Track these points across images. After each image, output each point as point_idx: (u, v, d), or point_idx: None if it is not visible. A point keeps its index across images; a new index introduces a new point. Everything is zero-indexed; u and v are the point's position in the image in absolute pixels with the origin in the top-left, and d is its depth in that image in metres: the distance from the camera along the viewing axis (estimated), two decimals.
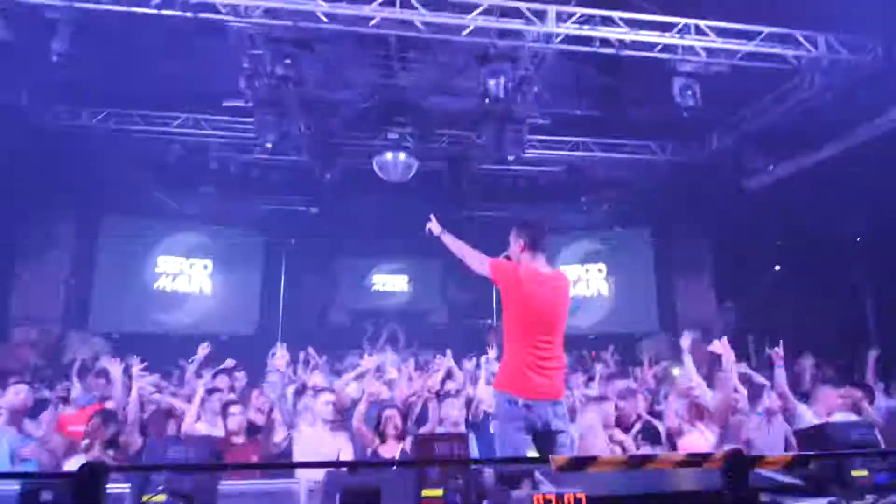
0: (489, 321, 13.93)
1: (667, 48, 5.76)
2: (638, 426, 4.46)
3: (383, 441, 3.96)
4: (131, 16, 5.08)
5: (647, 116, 8.31)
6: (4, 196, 8.99)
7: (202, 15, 5.03)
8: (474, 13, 5.30)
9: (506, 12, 5.37)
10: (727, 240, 12.22)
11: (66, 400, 4.16)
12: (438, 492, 1.65)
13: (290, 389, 4.71)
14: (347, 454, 3.94)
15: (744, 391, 4.23)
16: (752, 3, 5.93)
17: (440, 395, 4.34)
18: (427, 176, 8.98)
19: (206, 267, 12.68)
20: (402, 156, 7.99)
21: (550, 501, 1.48)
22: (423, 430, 4.12)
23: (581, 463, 1.59)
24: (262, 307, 13.36)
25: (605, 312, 12.86)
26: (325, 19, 5.13)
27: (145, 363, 4.64)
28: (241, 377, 5.96)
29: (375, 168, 8.13)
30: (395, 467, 3.80)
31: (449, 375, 5.00)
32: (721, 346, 3.96)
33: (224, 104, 6.82)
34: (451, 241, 3.22)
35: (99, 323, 11.19)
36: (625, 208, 11.91)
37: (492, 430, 3.17)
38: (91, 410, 4.09)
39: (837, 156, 8.07)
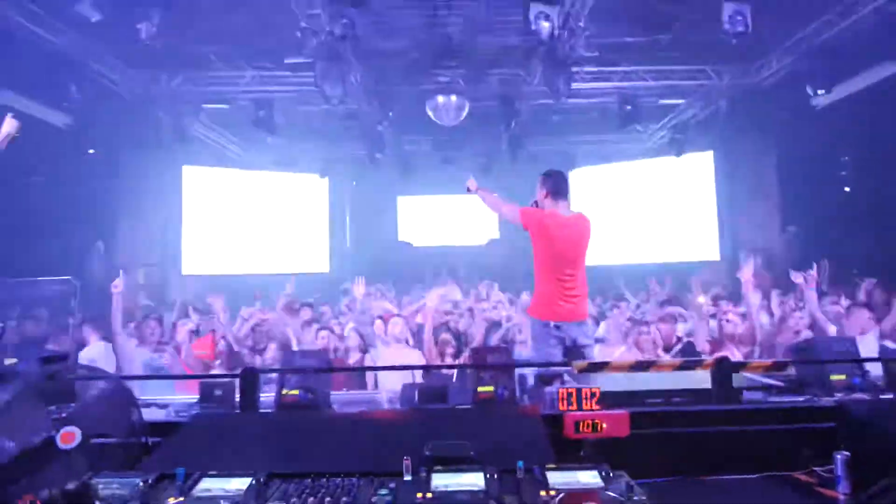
0: None
1: None
2: (678, 347, 4.89)
3: (443, 359, 4.66)
4: None
5: (700, 39, 8.07)
6: (105, 155, 10.12)
7: None
8: None
9: None
10: (793, 161, 11.79)
11: (196, 332, 5.05)
12: (489, 388, 2.23)
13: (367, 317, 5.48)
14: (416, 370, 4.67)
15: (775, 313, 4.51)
16: None
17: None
18: (479, 114, 9.23)
19: (278, 211, 13.72)
20: (453, 98, 8.28)
21: (571, 394, 2.02)
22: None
23: (597, 366, 2.10)
24: (332, 247, 14.41)
25: (665, 241, 12.91)
26: None
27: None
28: (326, 310, 6.80)
29: (429, 112, 8.49)
30: (456, 371, 4.58)
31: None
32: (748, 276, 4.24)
33: (286, 61, 7.29)
34: (486, 196, 3.72)
35: (189, 266, 12.54)
36: (683, 134, 11.65)
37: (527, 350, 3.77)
38: (208, 338, 5.02)
39: None
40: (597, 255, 3.47)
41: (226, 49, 7.90)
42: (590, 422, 1.96)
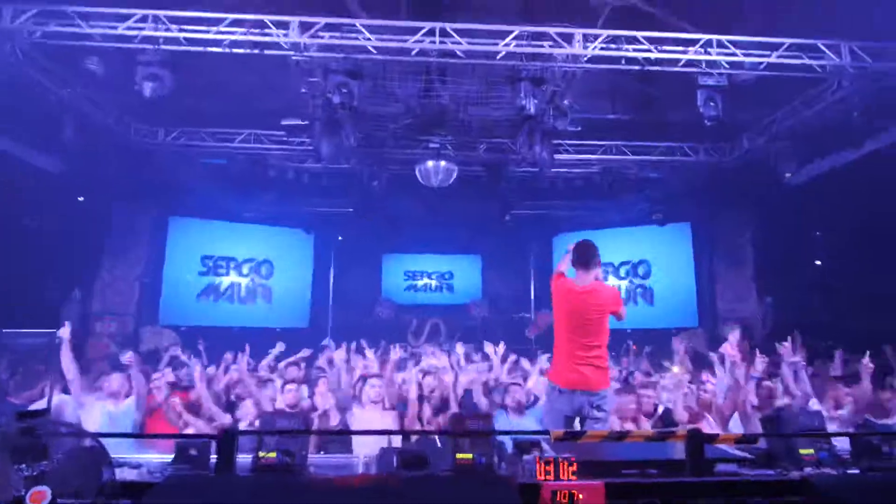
0: (527, 315, 14.44)
1: (690, 63, 6.10)
2: (658, 413, 4.91)
3: (421, 422, 4.62)
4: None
5: (679, 119, 8.58)
6: (93, 204, 10.18)
7: (267, 52, 5.75)
8: (507, 39, 5.81)
9: (536, 37, 5.85)
10: (767, 234, 12.25)
11: (174, 385, 4.95)
12: (469, 455, 2.25)
13: (345, 378, 5.43)
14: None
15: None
16: (775, 15, 6.18)
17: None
18: (467, 180, 9.55)
19: (263, 265, 13.72)
20: (442, 163, 8.59)
21: (549, 462, 2.05)
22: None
23: (573, 435, 2.15)
24: (314, 302, 14.34)
25: (645, 308, 13.12)
26: (374, 51, 5.77)
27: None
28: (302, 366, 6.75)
29: (417, 175, 8.76)
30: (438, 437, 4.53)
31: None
32: (730, 347, 4.36)
33: (282, 123, 7.57)
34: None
35: (167, 317, 12.34)
36: (663, 205, 12.11)
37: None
38: (182, 394, 4.92)
39: (875, 152, 8.15)
40: None
41: (225, 107, 8.19)
42: (566, 492, 1.99)
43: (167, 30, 5.60)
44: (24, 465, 1.89)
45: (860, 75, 6.34)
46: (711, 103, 6.04)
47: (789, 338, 4.79)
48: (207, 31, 5.64)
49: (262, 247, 13.69)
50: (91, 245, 11.25)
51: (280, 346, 6.41)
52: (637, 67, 6.08)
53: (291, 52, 5.77)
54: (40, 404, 4.50)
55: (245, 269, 13.49)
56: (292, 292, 14.02)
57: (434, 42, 5.67)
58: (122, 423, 4.29)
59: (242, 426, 4.34)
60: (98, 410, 4.36)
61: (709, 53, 6.08)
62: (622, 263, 13.37)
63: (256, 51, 5.70)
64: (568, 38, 5.83)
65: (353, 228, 13.35)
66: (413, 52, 5.77)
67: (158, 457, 2.43)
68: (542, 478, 2.04)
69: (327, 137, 6.69)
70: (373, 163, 9.04)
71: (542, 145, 7.02)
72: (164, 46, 5.61)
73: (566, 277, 3.60)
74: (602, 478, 2.08)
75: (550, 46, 5.85)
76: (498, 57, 5.88)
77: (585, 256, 3.60)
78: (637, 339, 10.60)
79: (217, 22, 5.64)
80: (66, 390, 4.64)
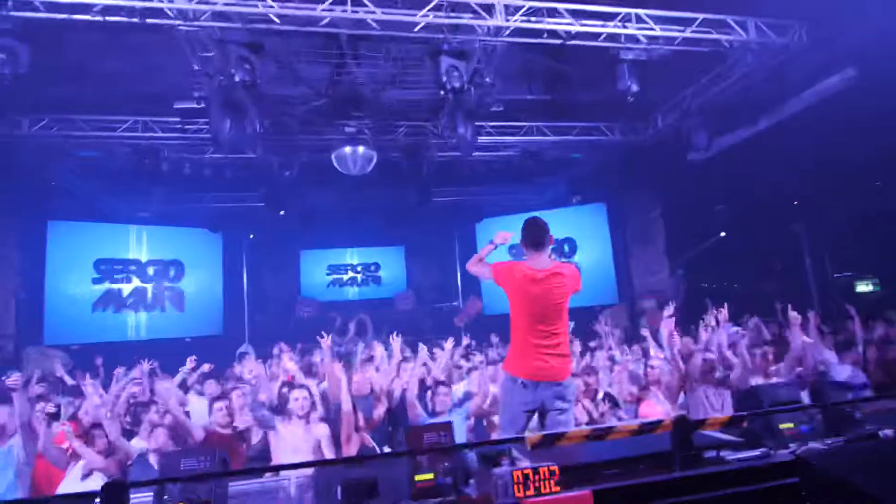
0: (455, 303, 14.25)
1: (611, 37, 6.02)
2: (600, 396, 4.80)
3: (364, 428, 4.19)
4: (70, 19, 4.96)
5: (595, 99, 8.63)
6: None
7: (150, 20, 4.95)
8: (425, 10, 5.41)
9: (455, 7, 5.50)
10: (676, 210, 12.88)
11: (56, 416, 4.11)
12: (429, 475, 1.86)
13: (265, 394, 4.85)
14: (326, 444, 4.10)
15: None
16: None
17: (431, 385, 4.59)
18: (386, 165, 9.07)
19: (171, 266, 12.46)
20: (360, 149, 8.05)
21: (528, 476, 1.71)
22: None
23: (551, 439, 1.83)
24: (227, 307, 13.24)
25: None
26: (276, 20, 5.14)
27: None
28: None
29: (334, 162, 8.17)
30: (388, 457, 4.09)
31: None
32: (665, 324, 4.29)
33: (175, 106, 6.69)
34: (479, 257, 3.46)
35: (54, 335, 10.87)
36: (579, 186, 12.31)
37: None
38: (72, 426, 4.12)
39: (773, 127, 8.67)
40: (502, 303, 3.25)
41: (101, 92, 7.12)
42: None
43: None
44: None
45: (763, 50, 6.59)
46: (631, 79, 6.00)
47: (722, 308, 4.82)
48: None
49: (165, 249, 12.40)
50: None
51: (190, 362, 5.67)
52: (558, 41, 5.92)
53: (179, 22, 5.01)
54: None
55: (150, 272, 12.17)
56: (202, 297, 12.85)
57: (346, 11, 5.15)
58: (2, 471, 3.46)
59: (152, 458, 3.68)
60: None
61: (627, 28, 6.04)
62: None
63: (136, 19, 4.88)
64: (488, 10, 5.52)
65: (266, 224, 12.42)
66: (322, 23, 5.21)
67: None
68: (522, 494, 1.70)
69: (227, 122, 5.94)
70: (282, 151, 8.30)
71: (465, 126, 6.71)
72: (14, 13, 4.64)
73: (518, 262, 3.22)
74: (588, 485, 1.77)
75: (471, 18, 5.52)
76: (416, 29, 5.46)
77: (538, 235, 3.23)
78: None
79: None
80: None
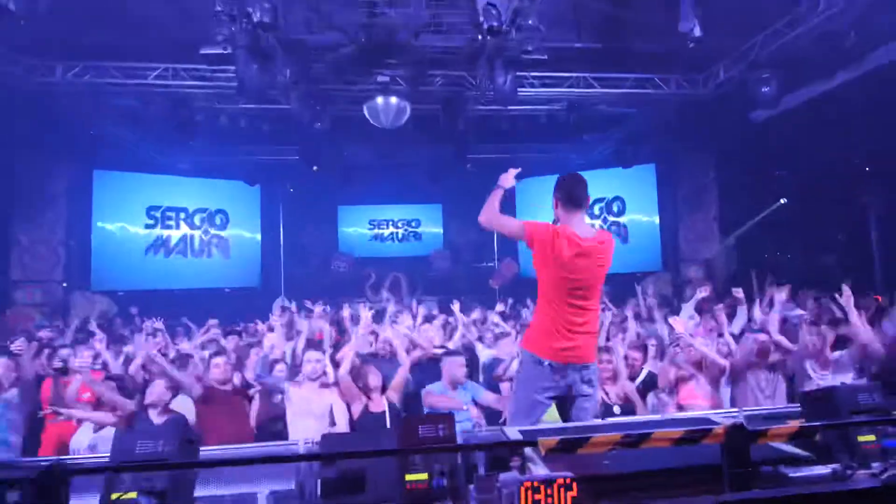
0: (491, 264, 13.92)
1: None
2: (642, 376, 4.42)
3: (370, 397, 3.97)
4: None
5: (651, 48, 7.87)
6: None
7: None
8: None
9: None
10: (732, 174, 11.96)
11: (64, 371, 4.09)
12: (423, 475, 1.58)
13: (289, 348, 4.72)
14: (339, 410, 3.93)
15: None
16: None
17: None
18: (422, 119, 8.64)
19: (217, 215, 12.61)
20: (393, 100, 7.64)
21: (538, 488, 1.40)
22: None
23: (571, 444, 1.50)
24: (264, 258, 13.37)
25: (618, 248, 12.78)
26: None
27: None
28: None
29: (366, 114, 7.81)
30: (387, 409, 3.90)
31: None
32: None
33: (201, 52, 6.43)
34: (492, 201, 2.99)
35: (100, 281, 11.21)
36: (628, 145, 11.55)
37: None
38: (96, 376, 4.09)
39: (849, 83, 7.72)
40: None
41: (130, 38, 6.93)
42: None
43: None
44: None
45: None
46: (695, 19, 5.30)
47: (782, 287, 4.29)
48: None
49: (209, 198, 12.52)
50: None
51: (212, 323, 5.60)
52: None
53: None
54: None
55: (197, 220, 12.37)
56: (242, 249, 13.01)
57: None
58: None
59: (153, 414, 3.59)
60: None
61: None
62: (596, 201, 12.85)
63: None
64: None
65: (303, 178, 12.28)
66: None
67: None
68: None
69: (252, 68, 5.64)
70: (314, 102, 7.97)
71: (504, 75, 6.17)
72: None
73: (560, 226, 2.68)
74: (612, 502, 1.44)
75: None
76: None
77: (580, 192, 2.71)
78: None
79: None
80: None
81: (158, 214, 11.98)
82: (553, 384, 2.59)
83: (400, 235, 14.73)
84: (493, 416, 4.07)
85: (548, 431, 1.93)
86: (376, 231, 14.70)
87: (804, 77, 8.04)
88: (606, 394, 3.89)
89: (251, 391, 4.12)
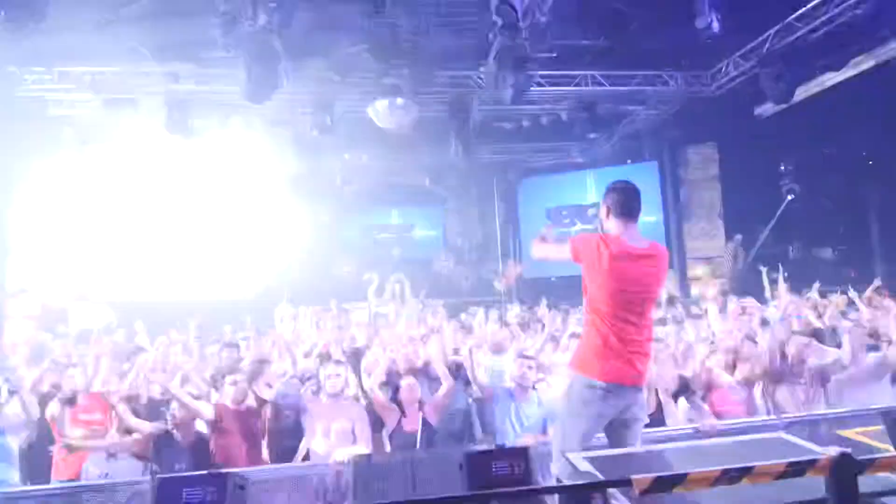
0: (494, 268, 13.78)
1: None
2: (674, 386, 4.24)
3: (403, 413, 3.79)
4: None
5: (659, 45, 7.74)
6: None
7: None
8: None
9: None
10: (736, 170, 11.87)
11: (72, 401, 3.82)
12: None
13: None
14: (362, 427, 3.72)
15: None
16: None
17: None
18: (427, 119, 8.49)
19: (204, 226, 12.33)
20: (399, 101, 7.49)
21: None
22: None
23: (667, 484, 1.36)
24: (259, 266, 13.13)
25: None
26: None
27: None
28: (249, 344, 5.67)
29: (372, 116, 7.65)
30: (420, 431, 3.71)
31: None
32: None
33: (202, 55, 6.25)
34: (541, 247, 2.88)
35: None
36: (632, 143, 11.45)
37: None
38: (98, 398, 3.90)
39: (854, 77, 7.64)
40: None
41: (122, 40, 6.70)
42: None
43: None
44: None
45: None
46: (713, 13, 5.16)
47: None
48: None
49: (205, 204, 12.21)
50: None
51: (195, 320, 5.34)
52: None
53: None
54: None
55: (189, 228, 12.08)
56: (231, 258, 12.74)
57: None
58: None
59: (179, 436, 3.41)
60: None
61: None
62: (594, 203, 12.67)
63: None
64: None
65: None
66: None
67: None
68: None
69: (254, 72, 5.46)
70: (318, 103, 7.80)
71: (514, 74, 6.03)
72: None
73: (607, 235, 2.54)
74: None
75: None
76: None
77: (632, 202, 2.56)
78: None
79: None
80: None
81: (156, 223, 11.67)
82: (609, 410, 2.41)
83: (395, 240, 14.54)
84: None
85: (621, 460, 1.78)
86: (375, 235, 14.52)
87: (812, 72, 7.95)
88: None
89: (264, 408, 3.90)
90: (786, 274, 7.17)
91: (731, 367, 3.97)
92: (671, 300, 8.48)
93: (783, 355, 3.89)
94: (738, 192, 12.08)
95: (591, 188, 12.70)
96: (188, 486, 1.39)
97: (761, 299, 7.33)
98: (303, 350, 4.98)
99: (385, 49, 6.54)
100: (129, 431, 3.37)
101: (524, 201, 12.92)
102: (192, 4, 5.91)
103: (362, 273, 13.08)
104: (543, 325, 5.46)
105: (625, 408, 2.43)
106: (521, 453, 1.51)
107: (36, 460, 3.62)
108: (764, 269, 8.03)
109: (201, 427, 3.69)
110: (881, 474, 1.51)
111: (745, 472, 1.39)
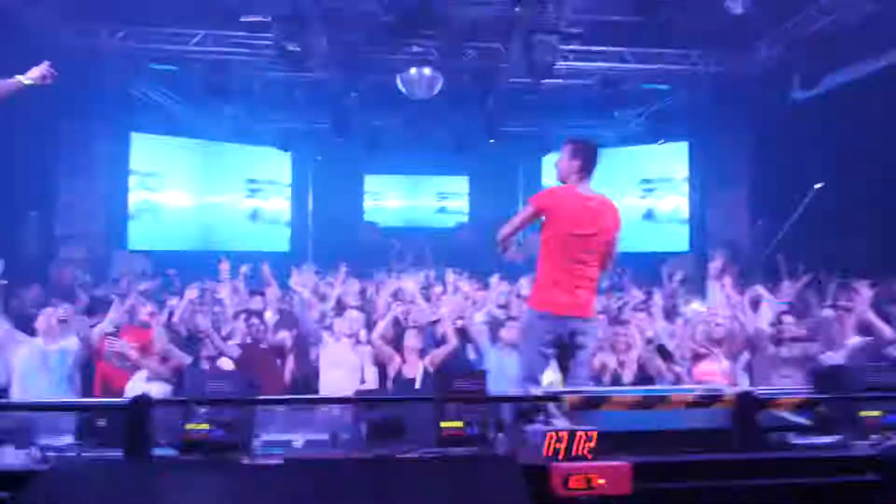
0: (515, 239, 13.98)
1: None
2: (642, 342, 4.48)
3: (404, 360, 4.16)
4: None
5: (690, 24, 7.69)
6: (40, 119, 9.12)
7: None
8: None
9: None
10: (767, 155, 11.67)
11: (114, 334, 4.31)
12: (458, 423, 1.77)
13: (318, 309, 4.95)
14: (370, 370, 4.15)
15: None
16: None
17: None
18: (453, 91, 8.67)
19: (235, 185, 12.91)
20: (426, 71, 7.69)
21: (562, 438, 1.56)
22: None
23: (594, 402, 1.66)
24: (293, 224, 13.69)
25: (634, 230, 12.68)
26: None
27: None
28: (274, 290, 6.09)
29: (399, 84, 7.88)
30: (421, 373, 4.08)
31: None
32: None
33: (242, 19, 6.56)
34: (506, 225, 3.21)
35: (137, 241, 11.66)
36: (660, 122, 11.36)
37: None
38: (138, 330, 4.38)
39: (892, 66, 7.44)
40: None
41: (173, 4, 7.08)
42: (583, 477, 1.52)
43: None
44: None
45: None
46: None
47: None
48: None
49: (233, 166, 12.79)
50: (44, 166, 10.28)
51: (244, 269, 5.83)
52: None
53: None
54: None
55: (217, 190, 12.72)
56: (269, 214, 13.36)
57: None
58: (55, 367, 3.75)
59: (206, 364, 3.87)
60: (28, 349, 3.79)
61: None
62: (626, 177, 12.61)
63: None
64: None
65: (332, 147, 12.45)
66: None
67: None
68: (553, 456, 1.57)
69: (292, 36, 5.75)
70: (348, 70, 8.07)
71: (539, 48, 6.16)
72: None
73: (568, 186, 2.94)
74: (628, 455, 1.61)
75: None
76: None
77: (594, 160, 2.96)
78: (628, 263, 10.21)
79: None
80: None
81: (189, 178, 12.29)
82: (553, 332, 2.79)
83: (423, 208, 14.87)
84: None
85: (571, 392, 2.09)
86: (404, 202, 14.86)
87: (848, 57, 7.79)
88: (621, 364, 4.02)
89: (287, 346, 4.33)
90: (803, 267, 7.18)
91: (718, 341, 4.19)
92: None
93: (773, 336, 4.09)
94: (768, 177, 11.92)
95: (617, 166, 12.69)
96: (213, 380, 1.76)
97: (777, 288, 7.40)
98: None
99: (413, 19, 6.74)
100: (164, 360, 3.82)
101: (547, 176, 13.02)
102: None
103: (384, 238, 13.55)
104: None
105: (571, 331, 2.80)
106: (480, 376, 1.84)
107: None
108: (781, 258, 8.02)
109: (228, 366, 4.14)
110: (777, 412, 1.79)
111: (661, 398, 1.68)
